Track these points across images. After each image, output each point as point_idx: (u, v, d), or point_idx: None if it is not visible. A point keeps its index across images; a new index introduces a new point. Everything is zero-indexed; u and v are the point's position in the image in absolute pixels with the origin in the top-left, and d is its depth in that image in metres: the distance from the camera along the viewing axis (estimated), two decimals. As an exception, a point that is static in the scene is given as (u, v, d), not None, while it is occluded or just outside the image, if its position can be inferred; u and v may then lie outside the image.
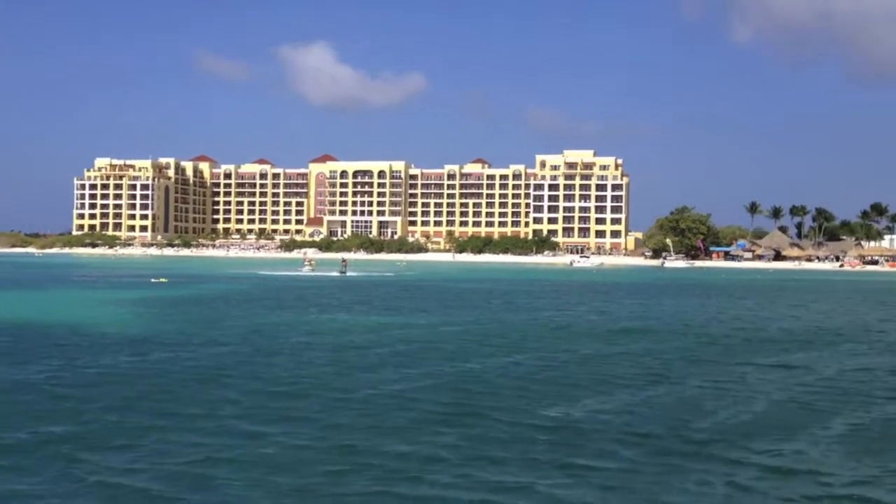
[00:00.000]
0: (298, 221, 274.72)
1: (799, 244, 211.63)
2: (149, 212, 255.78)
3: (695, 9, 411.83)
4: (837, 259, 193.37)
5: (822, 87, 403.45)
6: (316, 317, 37.86)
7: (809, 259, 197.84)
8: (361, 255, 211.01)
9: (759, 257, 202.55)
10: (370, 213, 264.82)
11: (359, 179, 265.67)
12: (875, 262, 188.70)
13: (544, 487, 11.95)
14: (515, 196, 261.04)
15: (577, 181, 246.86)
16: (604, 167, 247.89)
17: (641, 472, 12.68)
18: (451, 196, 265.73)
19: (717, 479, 12.42)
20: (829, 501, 11.67)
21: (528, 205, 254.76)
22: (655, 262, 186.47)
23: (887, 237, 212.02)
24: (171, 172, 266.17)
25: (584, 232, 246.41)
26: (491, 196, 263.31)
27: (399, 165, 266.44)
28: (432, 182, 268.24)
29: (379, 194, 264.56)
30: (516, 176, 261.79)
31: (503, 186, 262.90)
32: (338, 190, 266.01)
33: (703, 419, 16.34)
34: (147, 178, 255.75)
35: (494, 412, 16.65)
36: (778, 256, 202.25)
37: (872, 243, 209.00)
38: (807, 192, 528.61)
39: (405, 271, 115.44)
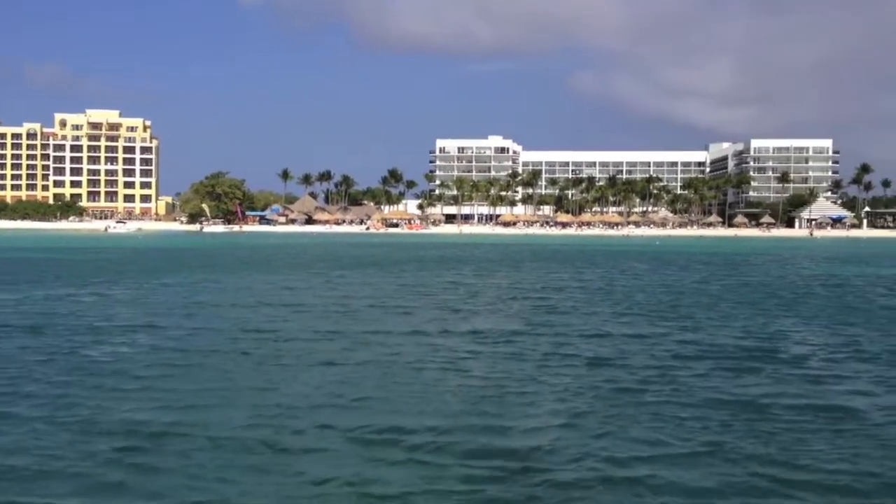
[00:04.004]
0: None
1: (327, 209, 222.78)
2: None
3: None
4: (363, 222, 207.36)
5: (327, 56, 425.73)
6: None
7: (338, 223, 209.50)
8: None
9: (293, 221, 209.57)
10: None
11: None
12: (396, 225, 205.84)
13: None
14: (31, 157, 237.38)
15: (103, 142, 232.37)
16: (131, 129, 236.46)
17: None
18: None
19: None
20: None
21: (46, 167, 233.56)
22: (194, 228, 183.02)
23: (404, 201, 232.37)
24: None
25: (111, 196, 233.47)
26: (1, 157, 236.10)
27: None
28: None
29: None
30: (31, 135, 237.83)
31: (16, 146, 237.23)
32: None
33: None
34: None
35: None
36: (310, 220, 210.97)
37: (393, 207, 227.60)
38: (333, 159, 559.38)
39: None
